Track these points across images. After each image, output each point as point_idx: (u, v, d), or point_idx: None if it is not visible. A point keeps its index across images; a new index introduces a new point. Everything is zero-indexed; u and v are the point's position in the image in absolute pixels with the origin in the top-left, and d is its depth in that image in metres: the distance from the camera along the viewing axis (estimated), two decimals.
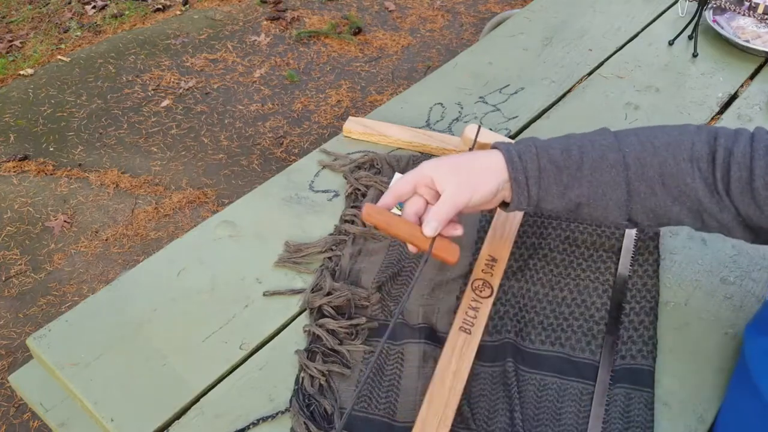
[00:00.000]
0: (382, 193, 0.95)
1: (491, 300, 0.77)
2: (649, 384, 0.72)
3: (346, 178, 0.97)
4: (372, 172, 0.98)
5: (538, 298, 0.81)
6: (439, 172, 0.68)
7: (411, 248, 0.71)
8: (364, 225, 0.90)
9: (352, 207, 0.93)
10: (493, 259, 0.79)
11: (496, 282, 0.80)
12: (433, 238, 0.69)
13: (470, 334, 0.73)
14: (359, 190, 0.95)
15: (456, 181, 0.67)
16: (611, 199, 0.67)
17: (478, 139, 0.89)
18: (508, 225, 0.87)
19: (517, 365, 0.74)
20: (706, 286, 0.85)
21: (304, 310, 0.81)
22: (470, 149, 0.79)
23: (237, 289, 0.83)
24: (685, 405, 0.72)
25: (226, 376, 0.74)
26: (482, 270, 0.81)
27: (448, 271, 0.85)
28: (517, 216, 0.88)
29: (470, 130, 0.92)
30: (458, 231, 0.71)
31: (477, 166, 0.68)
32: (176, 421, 0.70)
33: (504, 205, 0.72)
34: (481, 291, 0.78)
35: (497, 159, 0.68)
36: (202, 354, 0.76)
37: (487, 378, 0.73)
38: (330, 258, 0.86)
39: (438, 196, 0.69)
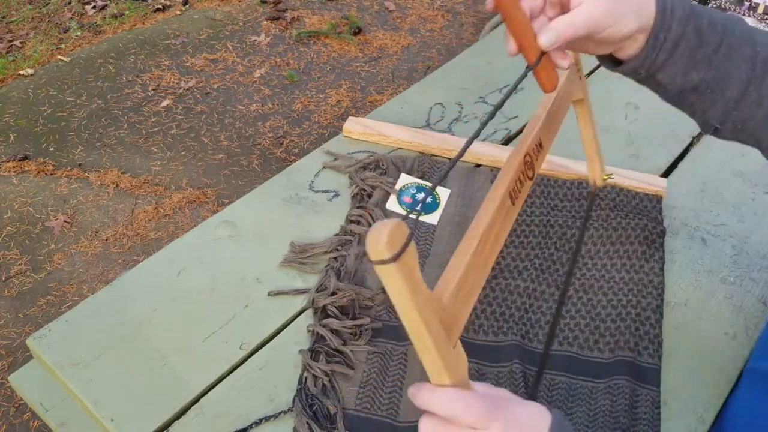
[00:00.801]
0: (387, 194, 0.95)
1: (530, 184, 0.69)
2: (656, 383, 0.72)
3: (351, 179, 0.97)
4: (377, 172, 0.98)
5: (544, 298, 0.81)
6: None
7: (510, 48, 0.59)
8: (370, 225, 0.90)
9: (357, 207, 0.93)
10: (540, 145, 0.69)
11: (537, 168, 0.67)
12: (543, 53, 0.57)
13: (513, 205, 0.61)
14: (365, 190, 0.95)
15: None
16: (725, 95, 0.60)
17: None
18: (557, 116, 0.74)
19: (525, 366, 0.74)
20: (706, 286, 0.85)
21: (304, 310, 0.81)
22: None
23: (237, 289, 0.83)
24: (685, 405, 0.72)
25: (226, 376, 0.74)
26: (532, 149, 0.67)
27: None
28: (563, 109, 0.75)
29: None
30: (566, 62, 0.60)
31: None
32: (176, 421, 0.70)
33: (610, 60, 0.63)
34: (526, 170, 0.66)
35: (652, 6, 0.57)
36: (202, 354, 0.76)
37: (492, 378, 0.73)
38: (335, 258, 0.86)
39: (562, 4, 0.57)
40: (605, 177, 0.87)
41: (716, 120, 0.61)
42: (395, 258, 0.36)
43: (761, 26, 1.31)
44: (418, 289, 0.39)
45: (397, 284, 0.37)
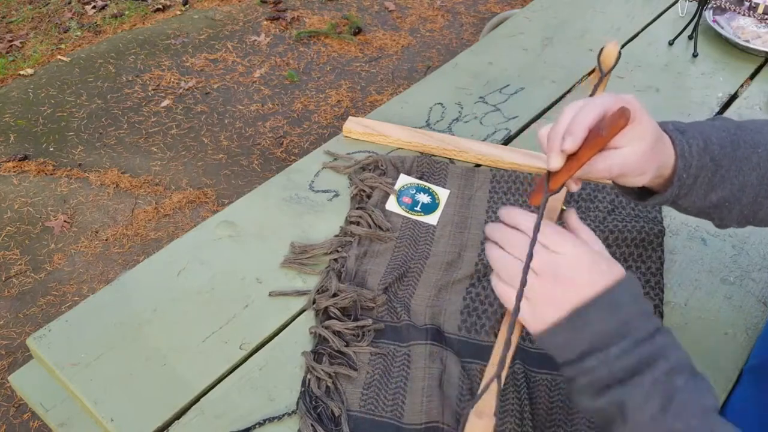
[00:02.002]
0: (386, 194, 0.95)
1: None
2: None
3: (351, 180, 0.97)
4: (377, 173, 0.98)
5: None
6: (647, 120, 0.59)
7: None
8: (370, 226, 0.90)
9: (357, 208, 0.93)
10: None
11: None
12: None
13: None
14: (364, 191, 0.95)
15: (649, 147, 0.58)
16: (741, 203, 0.64)
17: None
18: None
19: (526, 366, 0.74)
20: (706, 286, 0.85)
21: (304, 310, 0.81)
22: (608, 72, 0.66)
23: (237, 289, 0.83)
24: None
25: (226, 376, 0.74)
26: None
27: (454, 272, 0.85)
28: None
29: (612, 48, 0.68)
30: (574, 187, 0.63)
31: (664, 148, 0.61)
32: (176, 421, 0.70)
33: (632, 193, 0.67)
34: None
35: (671, 152, 0.61)
36: (202, 354, 0.76)
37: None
38: (336, 259, 0.86)
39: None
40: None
41: (734, 222, 0.67)
42: None
43: (761, 26, 1.31)
44: None
45: None
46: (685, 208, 0.66)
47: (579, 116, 0.56)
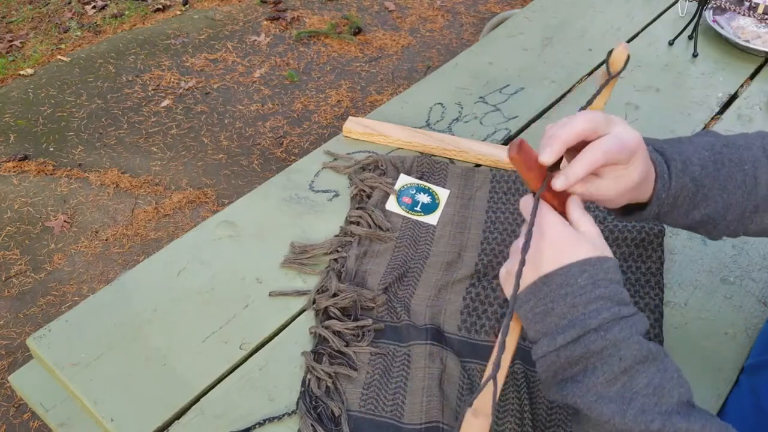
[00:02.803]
0: (386, 194, 0.95)
1: None
2: None
3: (351, 180, 0.97)
4: (377, 173, 0.98)
5: None
6: (631, 135, 0.58)
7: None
8: (370, 226, 0.90)
9: (357, 208, 0.93)
10: None
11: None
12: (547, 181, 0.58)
13: None
14: (364, 191, 0.95)
15: (640, 156, 0.58)
16: (727, 219, 0.64)
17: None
18: None
19: (526, 366, 0.74)
20: (706, 286, 0.85)
21: (304, 310, 0.81)
22: (616, 74, 0.65)
23: (237, 289, 0.83)
24: None
25: (226, 376, 0.74)
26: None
27: (454, 272, 0.85)
28: None
29: (621, 51, 0.66)
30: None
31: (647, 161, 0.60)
32: (176, 421, 0.70)
33: (621, 213, 0.67)
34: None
35: (651, 171, 0.61)
36: (202, 354, 0.76)
37: None
38: (336, 259, 0.86)
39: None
40: None
41: (723, 236, 0.67)
42: None
43: (761, 26, 1.31)
44: None
45: None
46: (669, 223, 0.66)
47: (565, 128, 0.56)
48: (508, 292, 0.58)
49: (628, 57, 0.65)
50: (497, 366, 0.50)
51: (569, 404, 0.53)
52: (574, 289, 0.53)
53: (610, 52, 0.65)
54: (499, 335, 0.52)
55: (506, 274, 0.59)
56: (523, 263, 0.53)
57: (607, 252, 0.56)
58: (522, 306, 0.56)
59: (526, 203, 0.58)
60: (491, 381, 0.50)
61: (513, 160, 0.55)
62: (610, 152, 0.56)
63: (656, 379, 0.50)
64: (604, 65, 0.65)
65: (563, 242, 0.55)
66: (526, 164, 0.55)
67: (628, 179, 0.58)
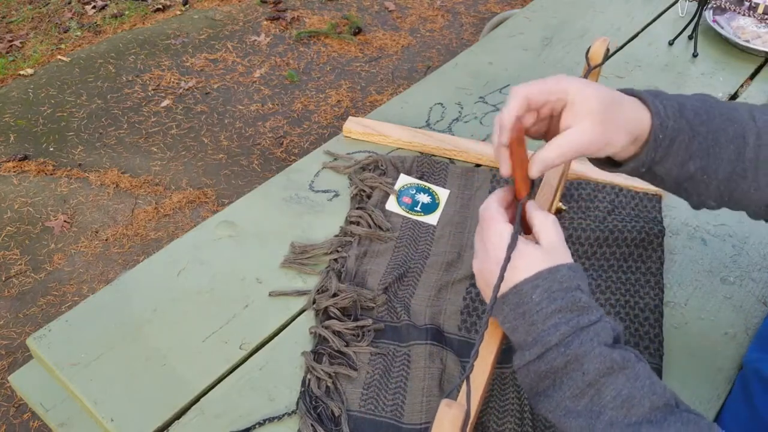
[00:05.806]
0: (386, 194, 0.95)
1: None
2: None
3: (351, 180, 0.97)
4: (377, 173, 0.98)
5: None
6: (584, 95, 0.56)
7: (504, 171, 0.59)
8: (370, 226, 0.90)
9: (357, 208, 0.93)
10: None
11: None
12: (534, 183, 0.59)
13: None
14: (364, 191, 0.95)
15: (598, 119, 0.56)
16: (718, 177, 0.62)
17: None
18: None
19: None
20: (706, 286, 0.85)
21: (304, 310, 0.81)
22: (595, 66, 0.66)
23: (237, 289, 0.83)
24: None
25: (226, 376, 0.74)
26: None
27: (454, 272, 0.85)
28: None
29: (600, 44, 0.69)
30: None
31: (623, 112, 0.58)
32: (176, 421, 0.70)
33: (605, 163, 0.64)
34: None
35: (644, 115, 0.59)
36: (202, 354, 0.76)
37: (497, 379, 0.73)
38: (336, 259, 0.86)
39: (551, 120, 0.59)
40: (559, 208, 0.89)
41: (711, 199, 0.64)
42: None
43: (761, 26, 1.31)
44: None
45: None
46: (662, 177, 0.63)
47: (506, 109, 0.56)
48: (484, 292, 0.60)
49: (608, 50, 0.65)
50: (471, 367, 0.51)
51: (546, 417, 0.54)
52: (530, 306, 0.53)
53: (590, 47, 0.66)
54: (476, 340, 0.53)
55: (478, 272, 0.60)
56: (501, 279, 0.54)
57: (561, 258, 0.55)
58: (497, 317, 0.57)
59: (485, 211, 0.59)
60: (465, 381, 0.51)
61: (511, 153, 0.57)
62: (579, 152, 0.56)
63: (625, 390, 0.50)
64: (585, 60, 0.67)
65: (514, 259, 0.55)
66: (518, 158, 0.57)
67: (588, 113, 0.56)
